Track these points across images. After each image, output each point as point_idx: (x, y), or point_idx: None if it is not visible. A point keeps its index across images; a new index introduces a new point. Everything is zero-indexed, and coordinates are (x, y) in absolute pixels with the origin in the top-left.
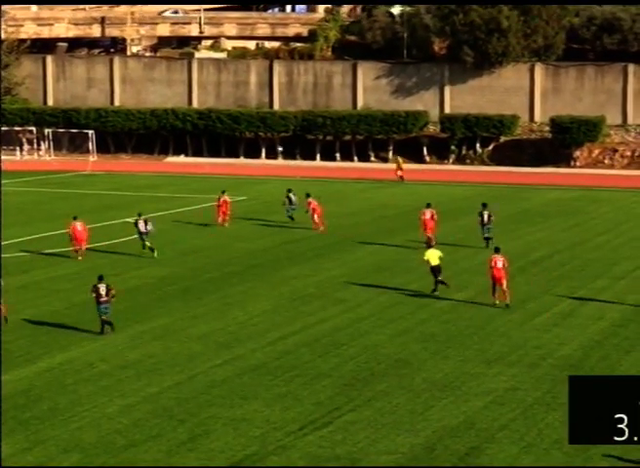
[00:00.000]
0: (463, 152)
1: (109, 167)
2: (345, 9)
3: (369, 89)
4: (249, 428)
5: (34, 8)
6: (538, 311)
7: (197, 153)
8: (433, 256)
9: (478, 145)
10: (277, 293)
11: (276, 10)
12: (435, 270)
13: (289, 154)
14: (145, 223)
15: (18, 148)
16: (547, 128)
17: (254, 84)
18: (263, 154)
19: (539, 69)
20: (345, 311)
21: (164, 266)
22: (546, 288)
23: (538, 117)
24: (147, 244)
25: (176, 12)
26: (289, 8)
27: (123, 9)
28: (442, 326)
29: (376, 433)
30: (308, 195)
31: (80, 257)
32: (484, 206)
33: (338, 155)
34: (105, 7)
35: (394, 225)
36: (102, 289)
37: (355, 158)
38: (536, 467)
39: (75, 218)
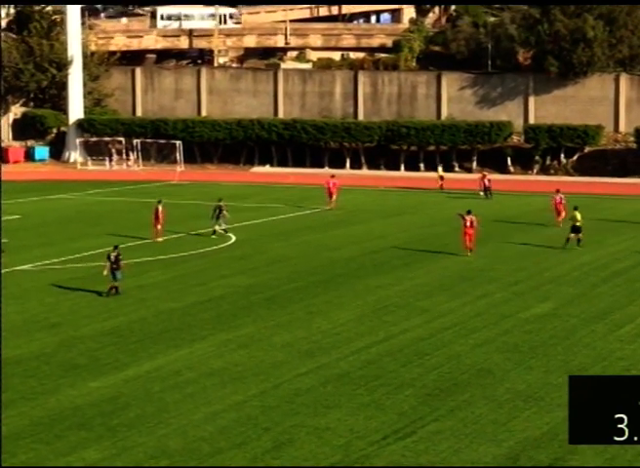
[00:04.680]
0: (547, 162)
1: (196, 177)
2: (430, 19)
3: (453, 99)
4: (333, 437)
5: (124, 20)
6: (622, 322)
7: (282, 163)
8: (578, 217)
9: (562, 156)
10: (361, 303)
11: (361, 21)
12: (577, 229)
13: (373, 164)
14: (221, 210)
15: (107, 158)
16: (632, 138)
17: (338, 94)
18: (348, 164)
19: (624, 79)
20: (429, 321)
21: (249, 275)
22: (631, 298)
23: (622, 127)
24: (219, 228)
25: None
26: (373, 19)
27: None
28: (525, 336)
29: (459, 443)
30: None
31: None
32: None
33: (422, 165)
34: None
35: (478, 236)
36: (112, 257)
37: (439, 168)
38: None
39: (160, 202)
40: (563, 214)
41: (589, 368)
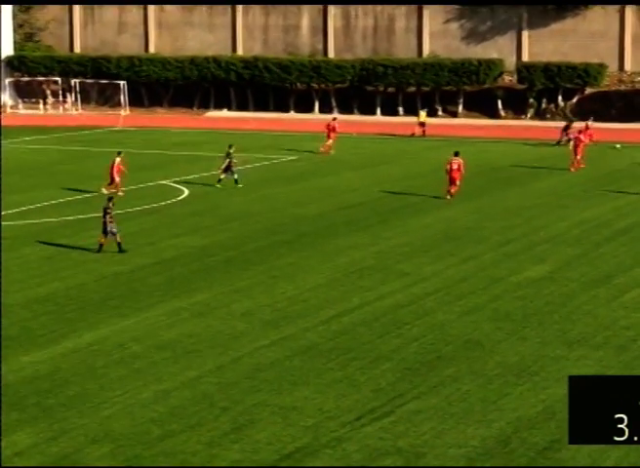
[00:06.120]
0: (543, 106)
1: (143, 122)
2: None
3: (436, 34)
4: (299, 417)
5: None
6: (627, 287)
7: (242, 107)
8: None
9: (560, 98)
10: (332, 265)
11: None
12: None
13: (345, 108)
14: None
15: (41, 101)
16: (639, 78)
17: (306, 29)
18: (317, 108)
19: (630, 12)
20: (409, 286)
21: (204, 235)
22: (637, 260)
23: (628, 66)
24: (229, 177)
25: None
26: None
27: None
28: (518, 303)
29: (443, 424)
30: None
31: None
32: None
33: (400, 109)
34: None
35: (465, 189)
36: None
37: (422, 113)
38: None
39: (119, 153)
40: (579, 156)
41: (590, 338)
